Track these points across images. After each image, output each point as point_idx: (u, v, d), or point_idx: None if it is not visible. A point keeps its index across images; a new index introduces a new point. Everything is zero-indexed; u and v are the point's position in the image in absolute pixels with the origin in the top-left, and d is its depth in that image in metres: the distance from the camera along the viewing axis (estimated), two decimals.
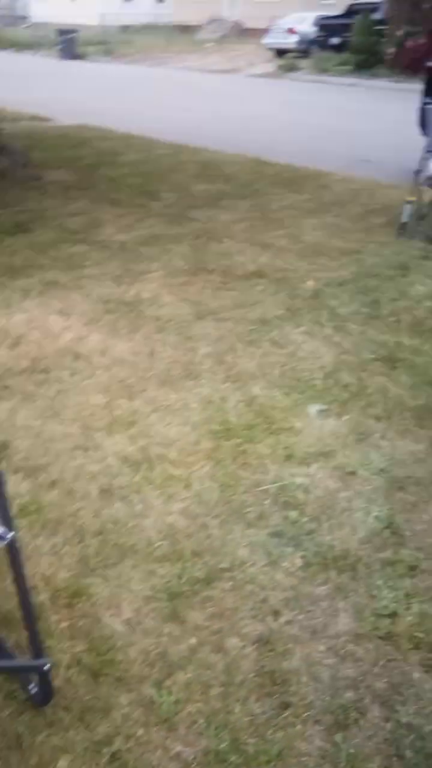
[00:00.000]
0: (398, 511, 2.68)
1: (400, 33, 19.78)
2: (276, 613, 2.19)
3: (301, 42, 23.86)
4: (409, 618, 2.21)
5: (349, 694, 1.97)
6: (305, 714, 1.91)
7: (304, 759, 1.81)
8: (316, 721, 1.90)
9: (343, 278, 4.92)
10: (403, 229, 5.93)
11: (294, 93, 17.66)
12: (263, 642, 2.10)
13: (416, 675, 2.04)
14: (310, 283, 4.79)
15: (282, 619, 2.18)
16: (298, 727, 1.87)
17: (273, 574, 2.33)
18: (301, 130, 11.33)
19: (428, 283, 4.87)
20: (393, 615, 2.22)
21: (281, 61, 23.19)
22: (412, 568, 2.41)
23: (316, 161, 8.59)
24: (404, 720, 1.91)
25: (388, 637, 2.14)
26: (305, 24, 24.05)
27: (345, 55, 21.04)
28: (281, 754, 1.81)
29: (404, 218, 5.95)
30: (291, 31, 24.41)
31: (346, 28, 21.66)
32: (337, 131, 11.28)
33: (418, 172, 6.01)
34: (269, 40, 25.34)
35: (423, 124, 7.48)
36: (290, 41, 24.39)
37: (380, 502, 2.72)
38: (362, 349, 3.93)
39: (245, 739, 1.84)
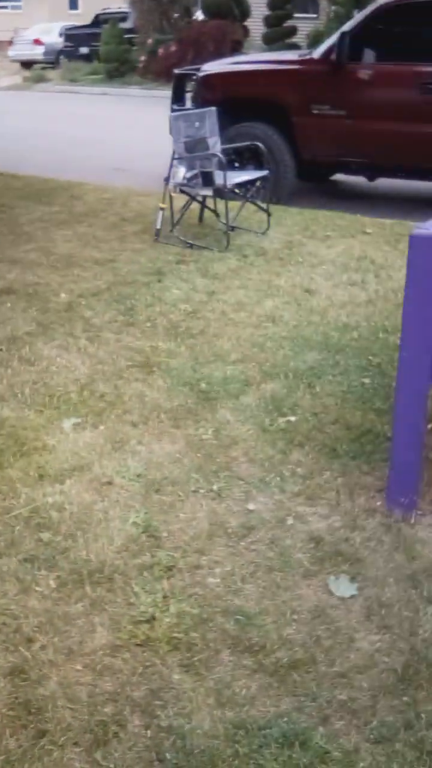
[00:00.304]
0: (155, 513, 2.72)
1: (150, 41, 20.24)
2: (29, 641, 2.14)
3: (48, 53, 23.68)
4: (168, 620, 2.24)
5: (108, 709, 1.96)
6: (63, 738, 1.87)
7: None
8: (75, 743, 1.87)
9: (98, 288, 4.92)
10: (157, 236, 6.05)
11: (43, 104, 17.40)
12: (17, 673, 2.04)
13: (176, 677, 2.07)
14: (62, 296, 4.74)
15: (36, 646, 2.12)
16: (56, 753, 1.83)
17: (26, 601, 2.27)
18: (50, 142, 11.19)
19: (183, 287, 5.00)
20: (151, 619, 2.24)
21: (28, 73, 22.83)
22: (169, 569, 2.45)
23: (67, 172, 8.54)
24: (165, 724, 1.93)
25: (147, 643, 2.16)
26: (52, 35, 23.91)
27: (95, 65, 21.16)
28: None
29: (157, 225, 6.08)
30: (37, 42, 24.14)
31: (94, 37, 21.81)
32: (90, 141, 11.28)
33: (167, 179, 6.15)
34: (14, 52, 24.87)
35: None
36: (37, 52, 24.11)
37: (137, 508, 2.74)
38: (118, 357, 3.95)
39: None
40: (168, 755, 1.85)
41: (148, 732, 1.91)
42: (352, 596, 2.36)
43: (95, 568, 2.42)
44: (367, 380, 3.74)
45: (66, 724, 1.91)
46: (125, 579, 2.39)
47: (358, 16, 7.24)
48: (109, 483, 2.88)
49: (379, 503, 2.79)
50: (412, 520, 2.70)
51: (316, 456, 3.09)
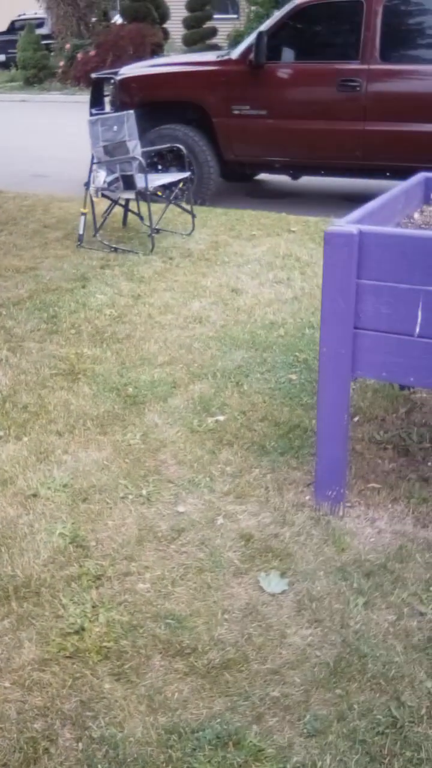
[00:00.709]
0: (83, 522, 2.67)
1: (68, 46, 20.05)
2: None
3: None
4: (97, 629, 2.21)
5: (38, 724, 1.91)
6: None
7: None
8: (4, 765, 1.81)
9: (19, 297, 4.84)
10: (80, 241, 5.99)
11: None
12: None
13: (106, 686, 2.03)
14: None
15: None
16: None
17: None
18: None
19: (107, 291, 4.95)
20: (80, 630, 2.20)
21: None
22: (98, 578, 2.41)
23: None
24: (96, 734, 1.90)
25: (76, 654, 2.12)
26: None
27: (12, 72, 20.86)
28: None
29: (80, 230, 6.02)
30: None
31: (10, 44, 21.50)
32: (9, 148, 11.11)
33: (87, 184, 6.09)
34: None
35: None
36: None
37: (64, 519, 2.69)
38: (42, 366, 3.88)
39: None
40: (100, 766, 1.82)
41: (80, 744, 1.87)
42: (283, 592, 2.36)
43: (21, 582, 2.37)
44: (294, 376, 3.77)
45: None
46: (53, 591, 2.34)
47: (275, 16, 7.29)
48: (34, 495, 2.82)
49: (308, 497, 2.81)
50: (341, 513, 2.72)
51: (245, 454, 3.09)
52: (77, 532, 2.61)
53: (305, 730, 1.91)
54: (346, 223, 2.58)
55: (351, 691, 2.02)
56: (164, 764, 1.82)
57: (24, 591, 2.33)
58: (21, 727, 1.91)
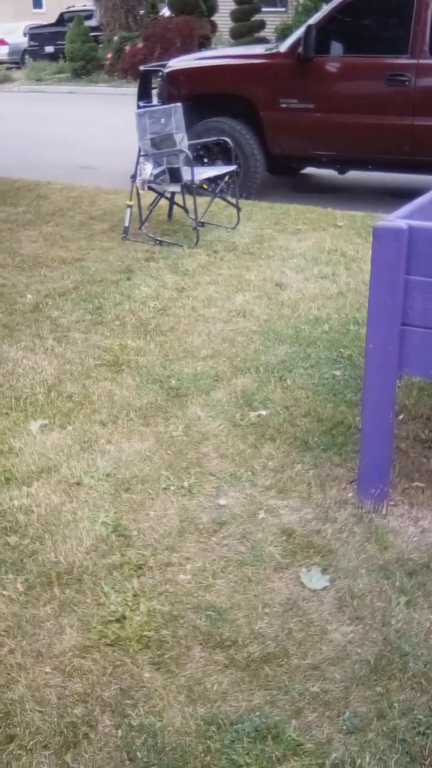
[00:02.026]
0: (124, 512, 2.69)
1: (116, 39, 20.13)
2: None
3: (12, 53, 23.47)
4: (138, 618, 2.22)
5: (78, 710, 1.94)
6: (32, 742, 1.84)
7: None
8: (44, 747, 1.84)
9: (65, 288, 4.88)
10: (125, 234, 6.02)
11: (8, 105, 17.19)
12: None
13: (146, 675, 2.05)
14: (29, 297, 4.69)
15: (4, 650, 2.09)
16: (25, 758, 1.81)
17: None
18: (17, 142, 11.09)
19: (152, 284, 4.97)
20: (121, 619, 2.22)
21: None
22: (139, 568, 2.43)
23: (34, 172, 8.47)
24: (135, 723, 1.91)
25: (117, 642, 2.14)
26: (16, 34, 23.69)
27: (61, 64, 21.00)
28: None
29: (126, 222, 6.05)
30: (1, 42, 23.92)
31: (59, 36, 21.65)
32: (57, 140, 11.20)
33: (134, 177, 6.11)
34: None
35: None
36: (1, 53, 23.88)
37: (106, 508, 2.71)
38: (86, 356, 3.91)
39: None
40: (139, 754, 1.83)
41: (119, 732, 1.89)
42: (324, 588, 2.35)
43: (64, 569, 2.40)
44: (338, 372, 3.74)
45: (35, 728, 1.88)
46: (95, 579, 2.36)
47: (324, 9, 7.22)
48: (78, 484, 2.84)
49: (350, 495, 2.79)
50: (384, 511, 2.69)
51: (288, 449, 3.08)
52: (119, 522, 2.63)
53: (345, 727, 1.90)
54: (396, 219, 2.55)
55: (391, 689, 2.00)
56: (203, 755, 1.83)
57: (66, 578, 2.36)
58: (61, 711, 1.93)
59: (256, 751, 1.83)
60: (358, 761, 1.81)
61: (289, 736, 1.87)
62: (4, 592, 2.29)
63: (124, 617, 2.22)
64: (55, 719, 1.91)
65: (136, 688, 2.00)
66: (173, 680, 2.02)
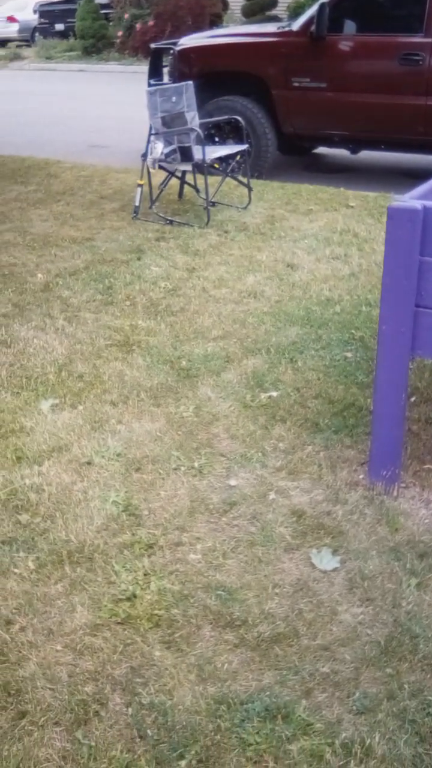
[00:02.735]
0: (135, 492, 2.69)
1: (126, 16, 19.92)
2: (9, 623, 2.11)
3: (22, 30, 23.26)
4: (148, 597, 2.23)
5: (89, 688, 1.95)
6: (43, 718, 1.86)
7: (44, 765, 1.76)
8: (55, 723, 1.85)
9: (76, 267, 4.86)
10: (136, 213, 5.99)
11: (19, 82, 17.11)
12: None
13: (157, 654, 2.05)
14: (39, 276, 4.68)
15: (15, 628, 2.10)
16: (36, 733, 1.82)
17: (4, 584, 2.25)
18: (26, 120, 11.03)
19: (162, 264, 4.95)
20: (132, 597, 2.22)
21: (2, 51, 22.41)
22: (150, 547, 2.43)
23: (44, 151, 8.43)
24: (146, 701, 1.92)
25: (127, 621, 2.14)
26: (26, 12, 23.46)
27: (71, 41, 20.82)
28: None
29: (136, 202, 6.01)
30: (11, 19, 23.70)
31: (69, 13, 21.45)
32: (67, 118, 11.14)
33: (144, 156, 6.07)
34: None
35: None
36: (11, 30, 23.64)
37: (117, 487, 2.72)
38: (97, 336, 3.90)
39: None
40: (149, 732, 1.84)
41: (129, 710, 1.90)
42: (335, 569, 2.35)
43: (75, 548, 2.40)
44: (349, 354, 3.72)
45: (46, 705, 1.89)
46: (105, 558, 2.37)
47: None
48: (89, 463, 2.85)
49: (361, 476, 2.78)
50: (395, 493, 2.69)
51: (298, 431, 3.07)
52: (130, 501, 2.63)
53: (354, 707, 1.90)
54: (410, 199, 2.52)
55: (401, 670, 2.00)
56: (212, 733, 1.83)
57: (77, 556, 2.37)
58: (72, 689, 1.94)
59: (265, 730, 1.84)
60: (368, 741, 1.81)
61: (299, 715, 1.87)
62: (16, 570, 2.30)
63: (135, 596, 2.22)
64: (66, 696, 1.92)
65: (146, 667, 2.01)
66: (183, 659, 2.03)
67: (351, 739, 1.82)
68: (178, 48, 7.65)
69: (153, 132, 5.98)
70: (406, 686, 1.95)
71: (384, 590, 2.26)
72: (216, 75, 7.32)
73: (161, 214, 5.94)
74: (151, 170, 6.02)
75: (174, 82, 7.13)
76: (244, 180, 6.29)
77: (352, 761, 1.77)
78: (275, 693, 1.93)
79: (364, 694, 1.93)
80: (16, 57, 21.48)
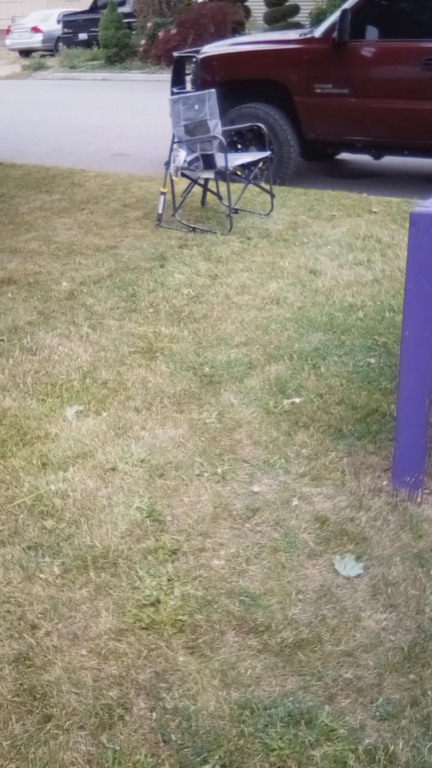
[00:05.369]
0: (159, 498, 2.71)
1: (149, 25, 20.07)
2: (34, 627, 2.14)
3: (46, 40, 23.53)
4: (172, 602, 2.24)
5: (113, 692, 1.96)
6: (68, 722, 1.88)
7: None
8: (80, 727, 1.87)
9: (100, 275, 4.91)
10: (159, 221, 6.03)
11: (43, 92, 17.26)
12: (22, 659, 2.04)
13: (180, 659, 2.07)
14: (64, 284, 4.73)
15: (41, 632, 2.13)
16: (62, 737, 1.84)
17: (30, 589, 2.28)
18: (51, 129, 11.14)
19: (185, 271, 4.98)
20: (156, 603, 2.24)
21: (27, 61, 22.66)
22: (174, 552, 2.44)
23: (68, 160, 8.52)
24: (170, 706, 1.94)
25: (151, 626, 2.16)
26: (50, 22, 23.74)
27: (94, 51, 21.01)
28: None
29: (159, 210, 6.05)
30: (35, 29, 23.98)
31: (92, 23, 21.66)
32: (90, 128, 11.23)
33: (167, 164, 6.11)
34: (12, 40, 24.69)
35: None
36: (35, 40, 23.94)
37: (141, 493, 2.74)
38: (121, 343, 3.94)
39: (6, 765, 1.78)
40: (173, 736, 1.85)
41: (153, 714, 1.91)
42: (358, 575, 2.35)
43: (99, 553, 2.42)
44: (372, 360, 3.72)
45: (71, 709, 1.91)
46: (129, 563, 2.38)
47: None
48: (113, 469, 2.87)
49: (385, 483, 2.78)
50: (419, 499, 2.68)
51: (321, 437, 3.08)
52: (154, 507, 2.65)
53: (378, 713, 1.90)
54: None
55: (425, 677, 2.00)
56: (236, 738, 1.84)
57: (102, 561, 2.39)
58: (97, 694, 1.96)
59: (289, 735, 1.84)
60: (391, 748, 1.81)
61: (322, 721, 1.88)
62: (41, 575, 2.33)
63: (159, 601, 2.24)
64: (91, 701, 1.93)
65: (170, 672, 2.03)
66: (207, 664, 2.04)
67: (374, 746, 1.82)
68: (200, 56, 7.69)
69: (176, 140, 6.02)
70: (429, 692, 1.95)
71: (407, 596, 2.26)
72: (238, 82, 7.35)
73: (184, 222, 5.97)
74: (174, 178, 6.05)
75: (197, 90, 7.17)
76: (267, 187, 6.31)
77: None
78: (298, 698, 1.94)
79: (388, 700, 1.93)
80: (40, 67, 21.71)
